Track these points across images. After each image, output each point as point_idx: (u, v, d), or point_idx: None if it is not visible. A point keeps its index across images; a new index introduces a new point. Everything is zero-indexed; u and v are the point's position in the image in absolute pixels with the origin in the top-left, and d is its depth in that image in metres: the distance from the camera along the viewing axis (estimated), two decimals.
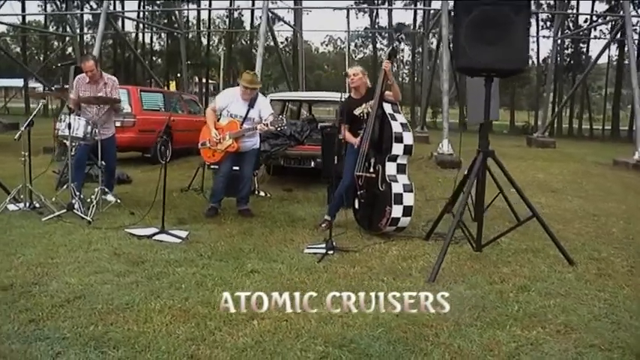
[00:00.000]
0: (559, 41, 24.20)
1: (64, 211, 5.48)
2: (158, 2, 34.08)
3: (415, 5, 29.30)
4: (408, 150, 5.03)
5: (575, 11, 29.53)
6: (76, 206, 5.53)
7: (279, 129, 5.88)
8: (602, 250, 4.82)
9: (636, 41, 26.80)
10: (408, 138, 5.03)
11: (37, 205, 5.69)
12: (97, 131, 5.83)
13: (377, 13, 33.80)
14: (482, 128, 4.37)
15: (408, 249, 4.73)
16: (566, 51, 33.07)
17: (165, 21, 29.12)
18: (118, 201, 6.04)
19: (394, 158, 5.05)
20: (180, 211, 5.98)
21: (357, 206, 5.43)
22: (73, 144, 5.80)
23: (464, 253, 4.55)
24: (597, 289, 3.75)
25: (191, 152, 10.77)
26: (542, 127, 21.30)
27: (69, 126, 5.57)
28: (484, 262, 4.34)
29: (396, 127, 4.99)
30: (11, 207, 5.71)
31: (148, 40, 40.66)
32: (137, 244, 4.61)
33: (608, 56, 32.68)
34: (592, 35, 28.13)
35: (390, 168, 5.06)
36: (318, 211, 6.37)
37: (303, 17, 22.39)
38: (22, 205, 5.67)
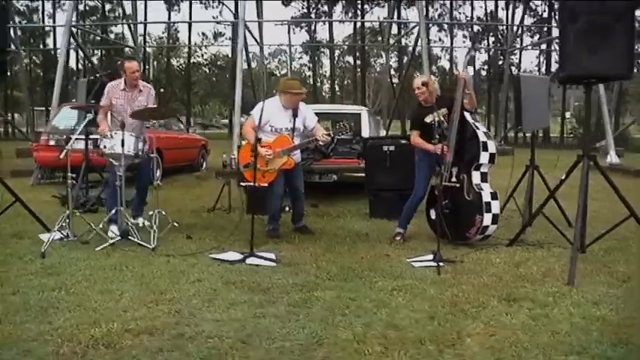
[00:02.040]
0: None
1: (119, 238, 4.98)
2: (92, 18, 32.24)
3: (362, 17, 29.72)
4: (492, 159, 5.03)
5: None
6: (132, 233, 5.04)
7: (342, 136, 5.56)
8: None
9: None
10: (493, 147, 5.03)
11: (68, 234, 5.10)
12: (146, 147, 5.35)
13: (315, 27, 34.00)
14: (584, 134, 4.45)
15: (505, 256, 4.70)
16: None
17: (99, 38, 27.51)
18: (176, 224, 5.54)
19: (479, 167, 5.04)
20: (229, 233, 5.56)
21: (433, 216, 5.35)
22: (118, 163, 5.26)
23: (566, 256, 4.59)
24: None
25: (178, 171, 10.29)
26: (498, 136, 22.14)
27: (122, 143, 5.06)
28: (593, 262, 4.38)
29: (481, 135, 4.98)
30: (44, 236, 5.12)
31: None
32: (235, 271, 4.24)
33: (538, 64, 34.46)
34: None
35: (476, 177, 5.04)
36: (367, 224, 6.25)
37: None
38: (58, 234, 5.06)
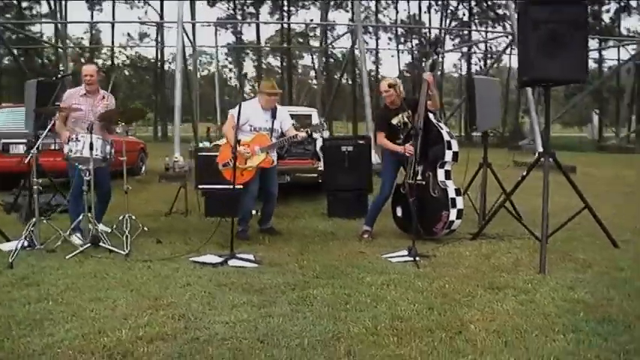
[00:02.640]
0: None
1: (88, 245, 4.81)
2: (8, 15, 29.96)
3: (289, 19, 29.79)
4: (455, 157, 5.32)
5: None
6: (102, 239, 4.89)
7: (320, 135, 5.68)
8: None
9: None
10: (456, 145, 5.32)
11: (31, 243, 4.87)
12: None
13: (241, 28, 33.62)
14: (545, 131, 4.82)
15: (473, 249, 4.99)
16: None
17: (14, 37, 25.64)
18: (146, 229, 5.39)
19: (444, 165, 5.31)
20: (198, 236, 5.55)
21: (399, 214, 5.57)
22: (84, 168, 5.06)
23: (531, 246, 4.94)
24: None
25: (120, 174, 9.88)
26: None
27: (91, 146, 4.88)
28: (556, 251, 4.74)
29: (445, 135, 5.26)
30: (4, 246, 4.88)
31: None
32: (221, 273, 4.23)
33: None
34: None
35: (441, 174, 5.31)
36: (329, 224, 6.39)
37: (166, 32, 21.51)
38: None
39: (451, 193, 5.24)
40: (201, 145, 9.15)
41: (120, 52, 35.50)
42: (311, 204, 7.60)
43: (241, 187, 5.47)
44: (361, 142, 6.87)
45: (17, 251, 4.49)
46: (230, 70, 43.68)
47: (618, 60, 28.85)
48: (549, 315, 3.26)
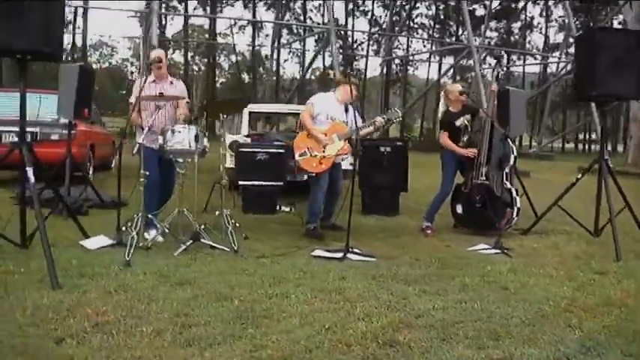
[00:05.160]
0: None
1: (191, 242, 4.76)
2: None
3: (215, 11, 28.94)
4: (515, 161, 5.93)
5: None
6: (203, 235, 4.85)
7: (397, 120, 5.84)
8: None
9: None
10: (515, 151, 5.93)
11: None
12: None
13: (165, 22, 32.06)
14: (602, 140, 5.58)
15: (534, 242, 5.60)
16: None
17: None
18: (237, 224, 5.31)
19: (506, 167, 5.89)
20: (265, 232, 5.69)
21: (459, 211, 6.07)
22: (181, 161, 4.97)
23: (587, 239, 5.66)
24: None
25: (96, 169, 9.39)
26: None
27: (196, 138, 4.82)
28: (607, 244, 5.47)
29: (510, 141, 5.84)
30: (89, 243, 4.68)
31: None
32: (354, 267, 4.41)
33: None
34: None
35: (504, 176, 5.88)
36: (374, 220, 6.71)
37: None
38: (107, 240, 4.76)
39: (514, 193, 5.83)
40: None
41: None
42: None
43: (314, 175, 5.62)
44: (398, 143, 7.28)
45: (132, 249, 4.33)
46: (131, 64, 41.86)
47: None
48: None
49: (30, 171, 4.07)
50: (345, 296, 3.61)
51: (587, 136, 43.88)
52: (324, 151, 5.49)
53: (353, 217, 6.65)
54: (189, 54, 35.87)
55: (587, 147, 43.02)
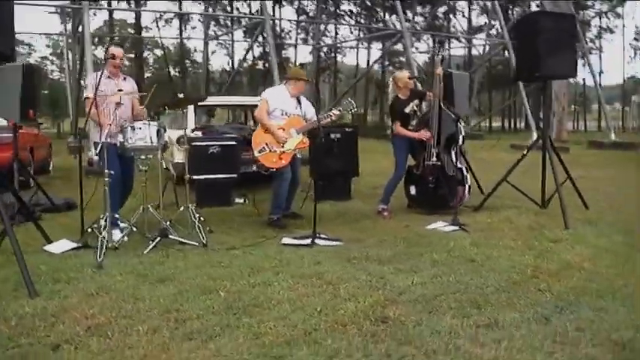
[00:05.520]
0: None
1: (159, 239, 4.71)
2: None
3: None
4: (464, 140, 6.22)
5: None
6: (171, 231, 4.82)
7: (352, 111, 5.92)
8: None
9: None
10: (463, 130, 6.22)
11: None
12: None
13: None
14: (545, 118, 5.97)
15: (487, 217, 5.92)
16: None
17: None
18: (202, 218, 5.26)
19: (455, 147, 6.18)
20: (223, 224, 5.70)
21: (413, 192, 6.32)
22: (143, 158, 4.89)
23: (535, 211, 6.04)
24: None
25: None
26: None
27: (158, 133, 4.74)
28: (557, 214, 5.82)
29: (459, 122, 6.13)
30: (53, 248, 4.57)
31: None
32: (329, 251, 4.55)
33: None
34: None
35: (453, 155, 6.17)
36: (328, 206, 6.81)
37: None
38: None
39: (464, 172, 6.14)
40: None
41: None
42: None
43: (274, 170, 5.66)
44: (348, 129, 7.43)
45: (104, 250, 4.26)
46: (52, 62, 39.79)
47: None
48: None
49: None
50: (325, 280, 3.73)
51: (512, 115, 46.02)
52: (282, 147, 5.55)
53: (308, 205, 6.88)
54: None
55: (512, 125, 45.12)
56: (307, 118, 5.85)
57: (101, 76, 4.84)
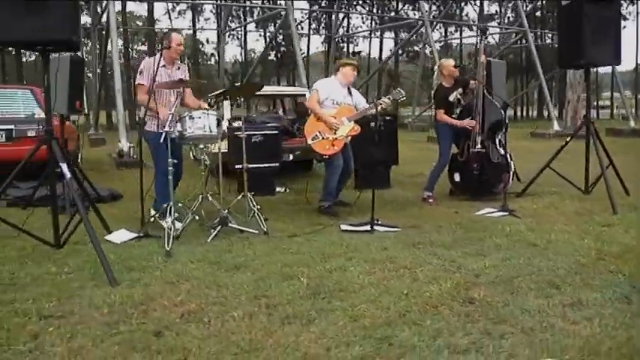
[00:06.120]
0: None
1: (220, 227, 4.80)
2: None
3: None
4: (507, 128, 6.28)
5: None
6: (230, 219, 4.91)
7: (401, 100, 5.99)
8: None
9: None
10: (507, 118, 6.28)
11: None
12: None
13: None
14: (587, 106, 6.01)
15: (533, 203, 5.99)
16: None
17: None
18: (258, 206, 5.32)
19: (500, 134, 6.24)
20: (274, 212, 5.78)
21: (457, 179, 6.39)
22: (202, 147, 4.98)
23: (578, 196, 6.11)
24: None
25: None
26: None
27: (218, 122, 4.85)
28: (600, 199, 5.89)
29: (502, 110, 6.18)
30: (113, 236, 4.66)
31: None
32: (391, 237, 4.63)
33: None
34: None
35: (497, 143, 6.22)
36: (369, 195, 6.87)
37: None
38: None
39: (508, 158, 6.20)
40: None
41: None
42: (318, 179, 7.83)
43: (327, 157, 5.76)
44: (388, 117, 7.48)
45: (171, 241, 4.35)
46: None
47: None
48: None
49: (64, 166, 3.98)
50: (399, 264, 3.82)
51: (524, 104, 45.80)
52: (335, 133, 5.64)
53: (350, 193, 6.94)
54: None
55: (523, 114, 44.90)
56: (359, 109, 5.93)
57: (159, 64, 4.89)
